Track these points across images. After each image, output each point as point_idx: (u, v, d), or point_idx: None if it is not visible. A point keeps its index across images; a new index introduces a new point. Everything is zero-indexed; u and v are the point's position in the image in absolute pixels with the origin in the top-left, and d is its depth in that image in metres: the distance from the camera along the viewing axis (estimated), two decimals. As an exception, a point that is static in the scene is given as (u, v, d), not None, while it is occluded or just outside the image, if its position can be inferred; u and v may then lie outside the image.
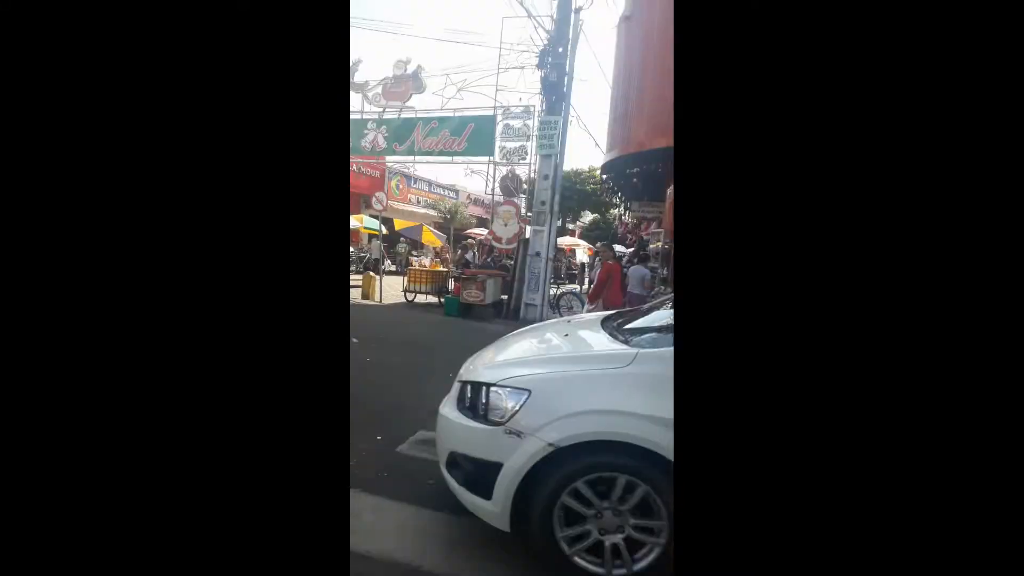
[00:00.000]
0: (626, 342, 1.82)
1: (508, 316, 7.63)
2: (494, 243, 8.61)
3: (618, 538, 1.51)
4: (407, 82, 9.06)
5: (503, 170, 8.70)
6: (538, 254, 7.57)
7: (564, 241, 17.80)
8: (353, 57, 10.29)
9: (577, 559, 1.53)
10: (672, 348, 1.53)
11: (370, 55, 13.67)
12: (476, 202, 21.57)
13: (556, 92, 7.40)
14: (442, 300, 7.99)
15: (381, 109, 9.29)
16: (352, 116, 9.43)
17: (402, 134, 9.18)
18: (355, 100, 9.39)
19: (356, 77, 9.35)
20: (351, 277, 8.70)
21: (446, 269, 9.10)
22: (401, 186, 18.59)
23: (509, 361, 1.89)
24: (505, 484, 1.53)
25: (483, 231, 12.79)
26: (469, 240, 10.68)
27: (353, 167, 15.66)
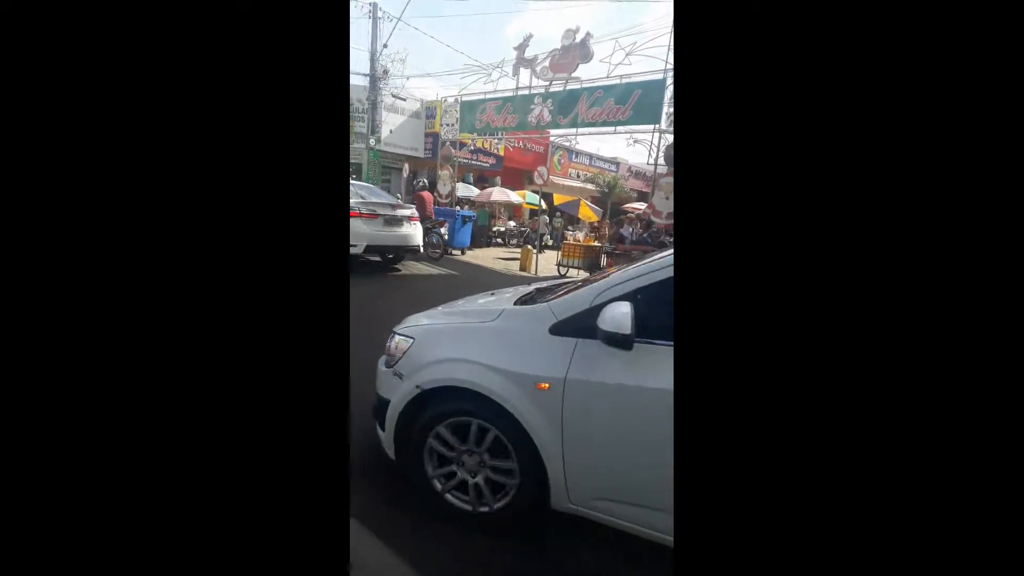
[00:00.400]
0: (529, 301, 1.81)
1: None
2: (653, 218, 8.18)
3: (480, 478, 1.64)
4: (574, 52, 8.99)
5: (669, 139, 8.12)
6: None
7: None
8: (524, 34, 10.58)
9: (449, 496, 1.69)
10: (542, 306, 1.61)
11: (544, 29, 13.83)
12: (637, 175, 20.61)
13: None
14: (593, 275, 8.02)
15: (547, 83, 9.43)
16: (521, 91, 9.81)
17: (567, 106, 9.22)
18: (524, 76, 9.71)
19: (526, 53, 9.63)
20: (514, 251, 9.23)
21: (600, 244, 8.98)
22: (563, 160, 18.77)
23: (427, 312, 2.09)
24: (391, 417, 1.73)
25: (642, 205, 12.21)
26: (626, 215, 10.32)
27: (518, 143, 16.38)
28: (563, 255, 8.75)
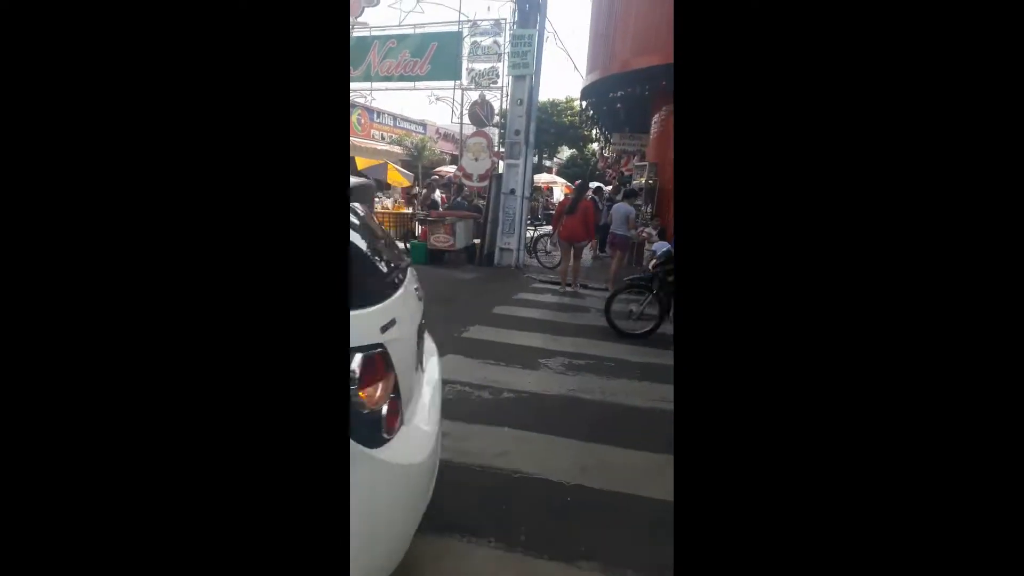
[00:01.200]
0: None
1: (481, 262, 7.03)
2: (464, 181, 7.90)
3: None
4: (358, -9, 7.82)
5: (472, 97, 7.81)
6: (513, 192, 6.93)
7: (541, 178, 17.03)
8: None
9: None
10: None
11: None
12: (447, 137, 20.23)
13: (530, 0, 6.44)
14: (408, 246, 7.28)
15: (329, 25, 8.08)
16: (296, 34, 8.22)
17: (356, 57, 8.07)
18: (298, 14, 8.12)
19: (297, -15, 8.03)
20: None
21: (411, 211, 8.37)
22: (363, 120, 17.10)
23: None
24: None
25: (454, 168, 11.88)
26: (435, 178, 9.84)
27: (307, 98, 14.17)
28: None
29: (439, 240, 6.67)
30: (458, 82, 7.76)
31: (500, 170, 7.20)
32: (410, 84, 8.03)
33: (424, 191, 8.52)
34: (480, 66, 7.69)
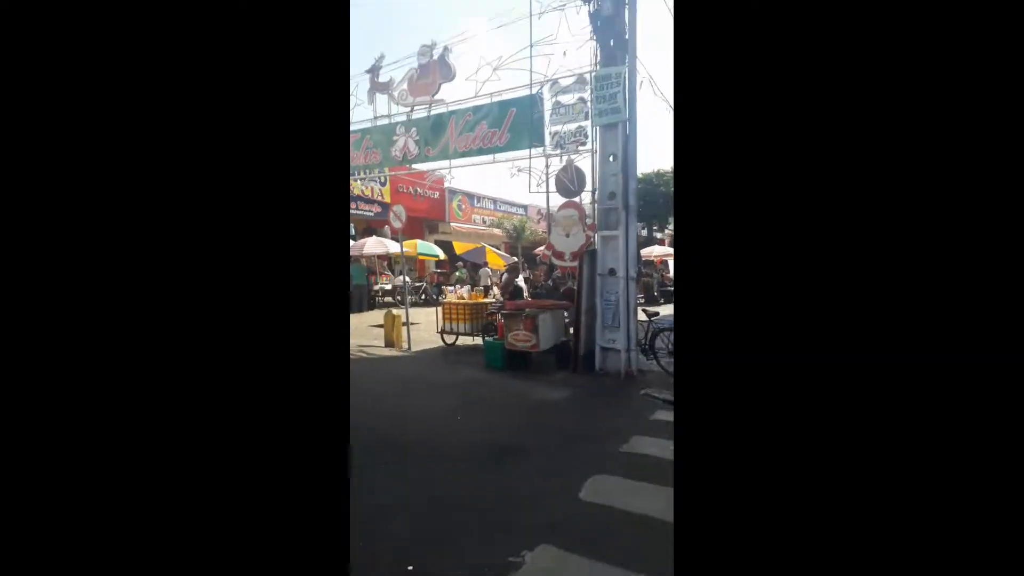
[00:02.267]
0: None
1: (577, 368, 5.19)
2: (555, 260, 6.43)
3: None
4: (434, 71, 7.38)
5: (558, 164, 6.55)
6: (612, 271, 5.22)
7: (652, 251, 15.06)
8: (375, 54, 8.97)
9: None
10: None
11: (394, 50, 12.13)
12: (546, 217, 19.57)
13: (613, 32, 5.14)
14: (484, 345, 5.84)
15: (409, 108, 7.70)
16: (380, 121, 7.99)
17: (435, 134, 7.49)
18: (382, 104, 7.94)
19: (381, 77, 7.91)
20: (406, 311, 6.95)
21: (494, 299, 7.04)
22: (464, 206, 17.24)
23: None
24: None
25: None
26: (514, 260, 8.54)
27: (407, 189, 14.58)
28: (444, 317, 6.67)
29: (518, 339, 5.10)
30: (541, 147, 6.60)
31: (596, 245, 5.61)
32: (489, 158, 7.10)
33: (506, 275, 7.16)
34: (564, 128, 6.49)
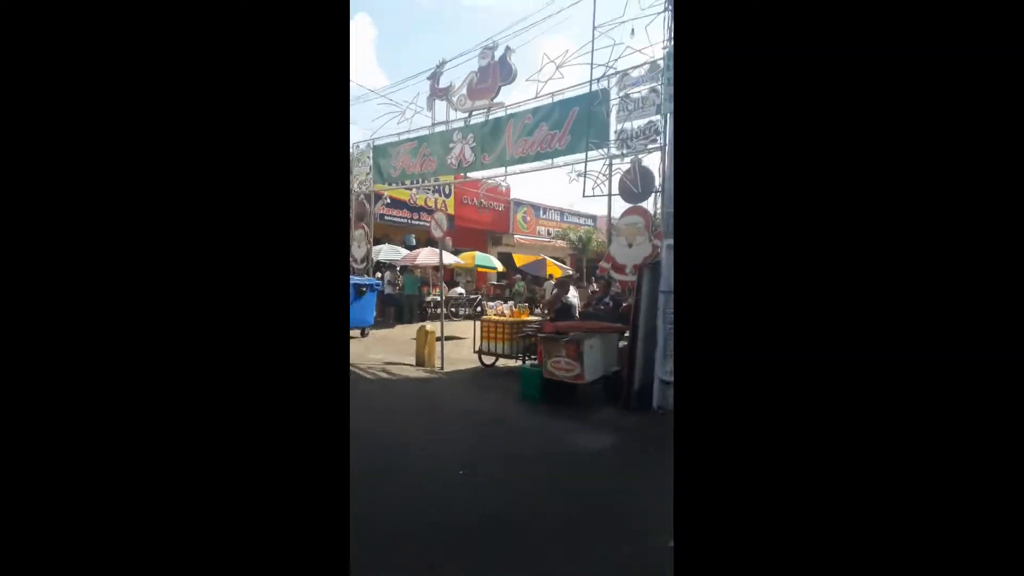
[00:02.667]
0: None
1: (628, 404, 4.31)
2: (613, 274, 5.72)
3: None
4: (494, 72, 7.02)
5: (623, 166, 5.85)
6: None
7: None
8: (436, 61, 8.79)
9: None
10: None
11: (458, 54, 11.50)
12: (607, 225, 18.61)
13: None
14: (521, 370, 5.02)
15: (467, 113, 7.40)
16: (438, 128, 7.78)
17: (493, 140, 7.11)
18: (441, 110, 7.73)
19: (440, 82, 7.71)
20: (440, 325, 6.58)
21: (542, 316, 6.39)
22: (528, 217, 16.83)
23: None
24: None
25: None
26: (570, 272, 7.78)
27: (470, 200, 14.44)
28: (483, 336, 6.07)
29: (559, 367, 4.31)
30: (605, 149, 5.95)
31: (662, 257, 4.82)
32: (547, 162, 6.56)
33: (555, 288, 6.48)
34: (634, 124, 5.79)
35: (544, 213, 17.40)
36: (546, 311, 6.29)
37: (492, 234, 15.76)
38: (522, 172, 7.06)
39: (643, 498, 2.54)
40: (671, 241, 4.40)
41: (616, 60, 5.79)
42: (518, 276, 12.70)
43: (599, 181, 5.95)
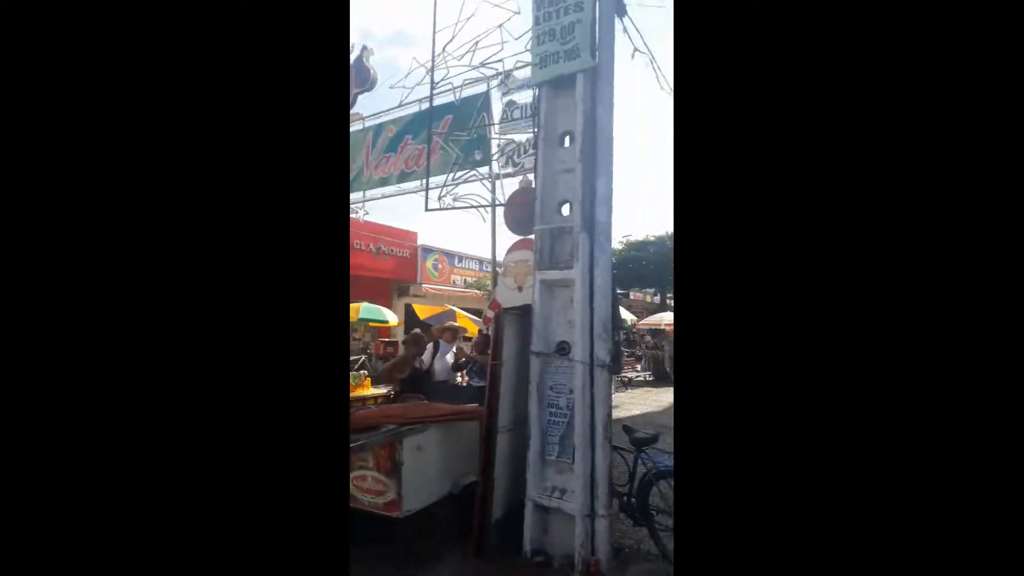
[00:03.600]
0: None
1: (481, 548, 2.44)
2: (481, 324, 4.10)
3: None
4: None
5: (508, 187, 4.41)
6: (563, 348, 2.70)
7: (664, 319, 12.69)
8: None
9: None
10: None
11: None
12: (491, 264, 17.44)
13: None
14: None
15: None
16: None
17: (350, 158, 5.50)
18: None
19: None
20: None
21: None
22: (441, 266, 15.23)
23: None
24: None
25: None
26: (426, 328, 6.05)
27: (367, 247, 12.68)
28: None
29: (364, 487, 2.41)
30: (490, 166, 4.51)
31: (536, 296, 3.22)
32: (415, 184, 5.02)
33: (409, 347, 4.58)
34: (519, 136, 4.44)
35: (460, 261, 15.89)
36: (390, 380, 4.30)
37: (399, 284, 13.92)
38: (381, 197, 5.43)
39: None
40: (547, 274, 2.83)
41: (498, 58, 4.47)
42: (416, 330, 10.83)
43: (446, 191, 4.30)
